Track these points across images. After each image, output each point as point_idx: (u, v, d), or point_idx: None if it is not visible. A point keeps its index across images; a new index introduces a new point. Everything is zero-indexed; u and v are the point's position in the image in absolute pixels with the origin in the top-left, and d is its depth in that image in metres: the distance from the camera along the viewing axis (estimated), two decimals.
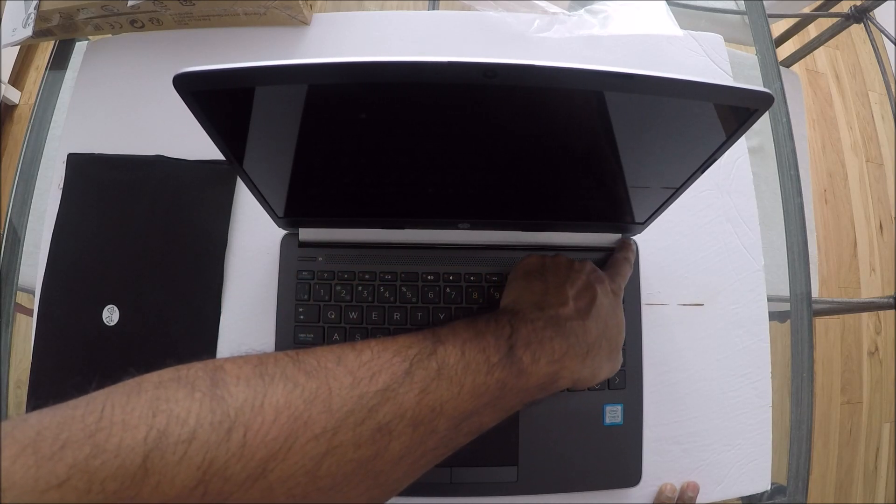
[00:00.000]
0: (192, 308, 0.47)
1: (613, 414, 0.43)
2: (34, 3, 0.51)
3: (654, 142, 0.30)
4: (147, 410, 0.20)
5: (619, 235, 0.45)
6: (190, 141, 0.50)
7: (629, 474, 0.44)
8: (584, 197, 0.38)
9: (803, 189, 0.54)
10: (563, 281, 0.35)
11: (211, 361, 0.24)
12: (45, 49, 1.30)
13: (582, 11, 0.57)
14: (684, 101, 0.25)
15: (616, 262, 0.42)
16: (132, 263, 0.48)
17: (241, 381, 0.22)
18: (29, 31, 0.51)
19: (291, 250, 0.44)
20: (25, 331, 0.49)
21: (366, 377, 0.24)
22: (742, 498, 0.46)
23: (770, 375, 0.47)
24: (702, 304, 0.49)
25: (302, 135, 0.30)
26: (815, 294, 0.56)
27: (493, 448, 0.43)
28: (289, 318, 0.43)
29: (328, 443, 0.22)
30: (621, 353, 0.37)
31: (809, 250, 0.53)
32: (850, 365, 1.30)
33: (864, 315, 1.33)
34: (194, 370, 0.23)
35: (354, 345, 0.26)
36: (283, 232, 0.44)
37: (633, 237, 0.46)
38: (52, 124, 0.57)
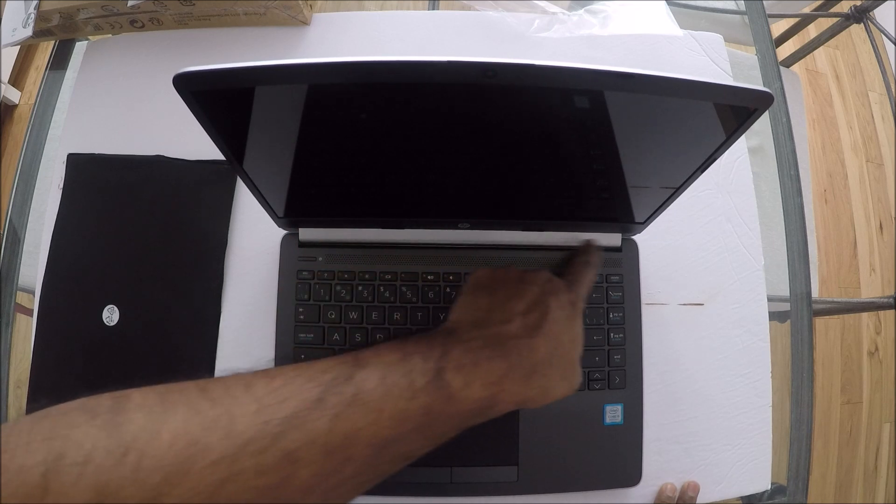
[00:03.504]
0: (192, 308, 0.47)
1: (613, 414, 0.43)
2: (34, 3, 0.51)
3: (654, 141, 0.30)
4: (48, 434, 0.21)
5: (619, 235, 0.45)
6: (190, 141, 0.50)
7: (629, 474, 0.44)
8: (583, 196, 0.38)
9: (803, 189, 0.54)
10: (511, 295, 0.33)
11: (121, 391, 0.24)
12: (45, 49, 1.30)
13: (582, 11, 0.57)
14: (684, 100, 0.25)
15: (575, 267, 0.39)
16: (132, 263, 0.48)
17: (142, 409, 0.23)
18: (29, 31, 0.51)
19: (291, 250, 0.44)
20: (25, 331, 0.49)
21: (273, 403, 0.23)
22: (742, 498, 0.46)
23: (770, 375, 0.47)
24: (702, 304, 0.49)
25: (302, 135, 0.30)
26: (815, 294, 0.56)
27: (494, 448, 0.43)
28: (289, 318, 0.43)
29: (227, 469, 0.22)
30: (579, 368, 0.34)
31: (809, 250, 0.53)
32: (850, 365, 1.30)
33: (864, 315, 1.33)
34: (100, 399, 0.24)
35: (269, 371, 0.26)
36: (283, 232, 0.44)
37: (633, 237, 0.46)
38: (52, 124, 0.57)
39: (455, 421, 0.26)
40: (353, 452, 0.23)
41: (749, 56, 0.64)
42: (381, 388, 0.24)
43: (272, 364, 0.44)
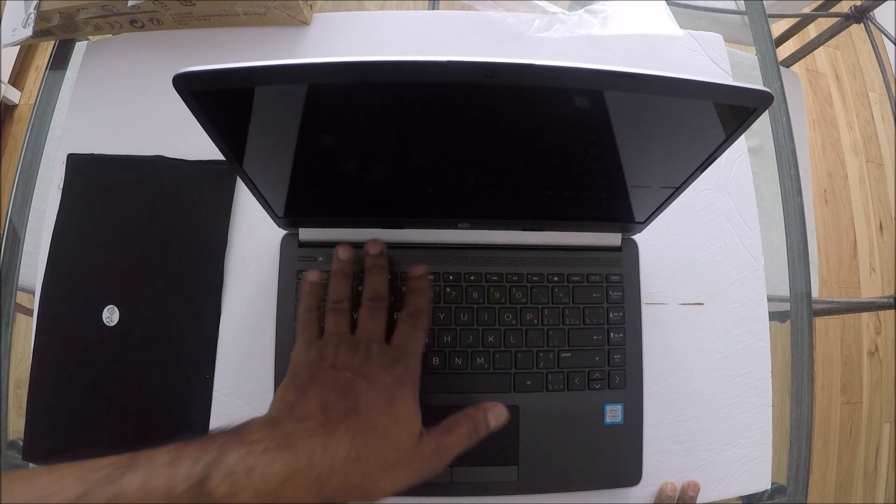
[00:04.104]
0: (192, 308, 0.47)
1: (613, 413, 0.43)
2: (34, 3, 0.51)
3: (654, 141, 0.30)
4: None
5: (619, 234, 0.45)
6: (190, 141, 0.50)
7: (629, 474, 0.44)
8: (583, 196, 0.38)
9: (803, 189, 0.54)
10: (319, 385, 0.31)
11: None
12: (45, 49, 1.30)
13: (582, 11, 0.57)
14: (684, 100, 0.25)
15: (402, 327, 0.36)
16: (132, 263, 0.48)
17: None
18: (29, 31, 0.51)
19: (291, 250, 0.44)
20: (25, 331, 0.49)
21: (40, 499, 0.24)
22: (742, 498, 0.46)
23: (770, 375, 0.47)
24: (702, 304, 0.49)
25: (302, 134, 0.30)
26: (815, 294, 0.56)
27: (494, 448, 0.42)
28: (289, 318, 0.43)
29: None
30: (418, 450, 0.31)
31: (809, 250, 0.53)
32: (850, 365, 1.30)
33: (864, 315, 1.33)
34: None
35: (54, 467, 0.26)
36: (283, 232, 0.44)
37: (633, 236, 0.46)
38: (52, 124, 0.57)
39: None
40: None
41: (749, 56, 0.64)
42: (141, 492, 0.24)
43: (272, 363, 0.44)
